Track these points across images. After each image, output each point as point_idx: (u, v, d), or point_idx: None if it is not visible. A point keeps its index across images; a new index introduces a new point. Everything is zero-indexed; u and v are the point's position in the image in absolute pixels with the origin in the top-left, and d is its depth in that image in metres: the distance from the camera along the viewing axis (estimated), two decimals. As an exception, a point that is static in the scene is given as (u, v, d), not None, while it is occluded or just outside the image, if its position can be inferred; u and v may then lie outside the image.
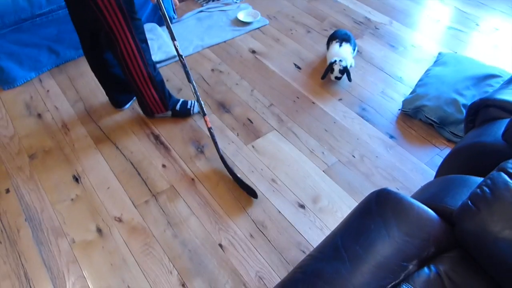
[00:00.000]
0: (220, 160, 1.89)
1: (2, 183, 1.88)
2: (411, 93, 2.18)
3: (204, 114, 1.91)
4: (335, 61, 2.26)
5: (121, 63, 1.85)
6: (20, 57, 2.34)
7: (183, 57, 1.82)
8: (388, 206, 1.04)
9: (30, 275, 1.57)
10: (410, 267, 0.94)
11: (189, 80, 1.84)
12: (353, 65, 2.45)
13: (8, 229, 1.71)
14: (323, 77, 2.33)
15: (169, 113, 2.14)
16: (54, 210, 1.77)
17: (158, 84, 1.99)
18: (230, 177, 1.86)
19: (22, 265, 1.60)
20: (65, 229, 1.71)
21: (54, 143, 2.06)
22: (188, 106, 2.15)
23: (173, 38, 1.78)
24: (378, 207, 1.05)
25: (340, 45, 2.34)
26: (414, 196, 1.10)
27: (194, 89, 1.86)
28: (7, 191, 1.85)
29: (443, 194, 1.07)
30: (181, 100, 2.16)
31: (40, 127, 2.15)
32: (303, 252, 1.59)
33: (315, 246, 1.60)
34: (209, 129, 1.90)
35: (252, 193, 1.78)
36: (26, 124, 2.18)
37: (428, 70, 2.30)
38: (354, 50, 2.46)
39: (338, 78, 2.30)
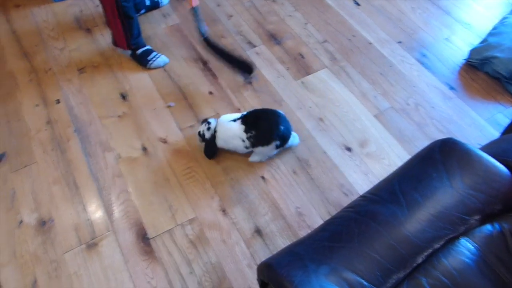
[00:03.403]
0: (206, 44, 1.88)
1: (53, 93, 1.92)
2: (481, 42, 2.01)
3: None
4: (207, 121, 1.63)
5: None
6: (72, -33, 2.29)
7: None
8: (454, 156, 0.99)
9: (79, 183, 1.63)
10: (472, 221, 0.90)
11: None
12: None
13: (59, 137, 1.76)
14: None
15: (129, 52, 2.01)
16: (102, 125, 1.80)
17: (126, 18, 1.83)
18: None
19: (72, 172, 1.66)
20: (111, 144, 1.74)
21: (102, 59, 2.06)
22: (148, 58, 1.99)
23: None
24: (443, 156, 1.00)
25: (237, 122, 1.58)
26: (482, 149, 1.03)
27: None
28: (58, 101, 1.89)
29: (517, 150, 1.00)
30: (147, 47, 2.01)
31: (89, 41, 2.14)
32: (345, 194, 1.57)
33: (358, 190, 1.59)
34: (192, 8, 1.76)
35: (247, 68, 1.78)
36: (75, 37, 2.16)
37: (504, 18, 2.10)
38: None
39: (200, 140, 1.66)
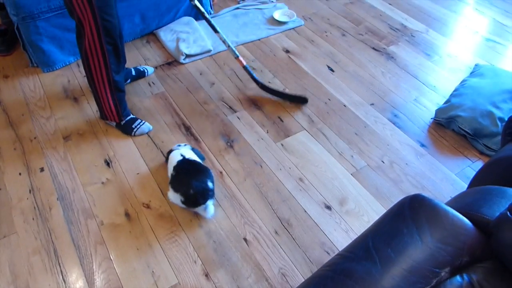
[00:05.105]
0: (262, 89, 2.27)
1: (37, 161, 1.95)
2: (445, 102, 2.15)
3: (237, 56, 2.18)
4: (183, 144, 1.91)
5: (83, 60, 1.82)
6: (62, 42, 2.41)
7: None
8: (422, 212, 1.04)
9: (60, 252, 1.62)
10: (443, 274, 0.93)
11: (216, 31, 2.14)
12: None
13: (41, 206, 1.77)
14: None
15: (114, 123, 2.08)
16: (85, 192, 1.82)
17: (117, 92, 1.93)
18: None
19: (52, 242, 1.65)
20: (94, 211, 1.75)
21: (88, 127, 2.12)
22: (133, 126, 2.06)
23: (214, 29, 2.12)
24: (412, 212, 1.05)
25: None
26: (448, 204, 1.08)
27: (224, 39, 2.14)
28: (42, 169, 1.91)
29: (480, 203, 1.06)
30: (131, 116, 2.09)
31: (76, 110, 2.21)
32: (327, 253, 1.59)
33: (339, 248, 1.61)
34: (244, 67, 2.22)
35: (302, 100, 2.20)
36: (62, 106, 2.24)
37: (464, 80, 2.27)
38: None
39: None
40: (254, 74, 2.25)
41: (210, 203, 1.68)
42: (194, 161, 1.76)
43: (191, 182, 1.65)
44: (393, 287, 0.91)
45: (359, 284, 0.92)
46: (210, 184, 1.69)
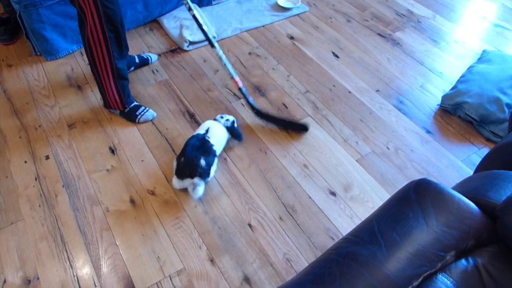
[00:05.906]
0: (258, 116, 2.04)
1: (43, 149, 1.95)
2: (452, 89, 2.13)
3: (232, 76, 2.00)
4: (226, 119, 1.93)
5: (85, 48, 1.81)
6: (64, 29, 2.40)
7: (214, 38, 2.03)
8: (428, 196, 1.03)
9: (66, 238, 1.63)
10: (448, 257, 0.93)
11: (213, 46, 1.98)
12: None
13: (47, 193, 1.78)
14: None
15: (118, 111, 2.08)
16: (90, 179, 1.83)
17: (120, 79, 1.93)
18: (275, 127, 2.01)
19: (59, 228, 1.66)
20: (100, 198, 1.76)
21: (92, 115, 2.12)
22: (137, 113, 2.06)
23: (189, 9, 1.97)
24: (417, 196, 1.04)
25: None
26: (454, 188, 1.08)
27: (220, 53, 1.98)
28: (47, 157, 1.92)
29: (486, 188, 1.05)
30: (135, 103, 2.08)
31: (80, 98, 2.21)
32: (332, 238, 1.59)
33: (344, 233, 1.61)
34: (240, 89, 2.02)
35: (303, 127, 1.95)
36: (66, 94, 2.24)
37: (471, 66, 2.24)
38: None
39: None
40: (251, 99, 2.05)
41: (200, 184, 1.68)
42: (208, 140, 1.76)
43: (185, 152, 1.70)
44: (398, 271, 0.91)
45: (364, 267, 0.92)
46: (202, 162, 1.68)
